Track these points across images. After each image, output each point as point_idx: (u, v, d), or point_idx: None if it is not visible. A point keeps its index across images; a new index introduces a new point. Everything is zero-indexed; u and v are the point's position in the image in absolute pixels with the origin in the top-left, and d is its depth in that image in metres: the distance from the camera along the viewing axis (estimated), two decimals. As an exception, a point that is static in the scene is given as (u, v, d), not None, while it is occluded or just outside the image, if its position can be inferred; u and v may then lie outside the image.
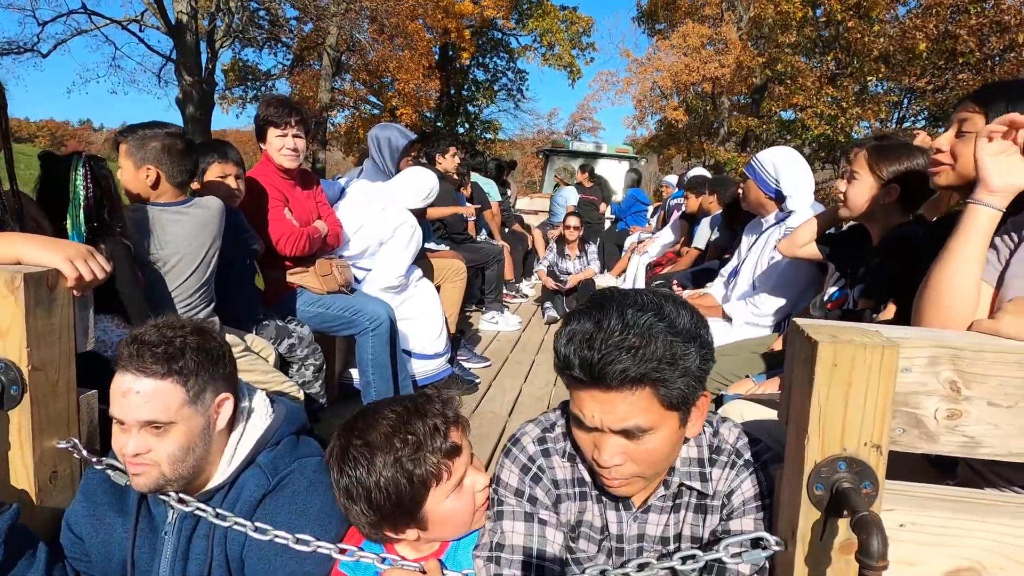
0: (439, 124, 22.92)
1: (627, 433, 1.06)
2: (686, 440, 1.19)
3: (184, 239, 2.23)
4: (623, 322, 1.04)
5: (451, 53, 22.22)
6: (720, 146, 21.83)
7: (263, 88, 21.38)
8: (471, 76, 25.22)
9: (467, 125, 25.40)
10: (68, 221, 1.68)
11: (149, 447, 1.18)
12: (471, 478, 1.26)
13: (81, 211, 1.69)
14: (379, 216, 3.44)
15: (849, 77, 19.60)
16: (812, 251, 2.38)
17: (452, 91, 24.22)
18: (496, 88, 25.93)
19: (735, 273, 3.05)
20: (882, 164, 1.99)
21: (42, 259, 1.27)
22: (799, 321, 1.06)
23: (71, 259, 1.29)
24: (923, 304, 1.32)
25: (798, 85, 19.50)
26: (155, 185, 2.22)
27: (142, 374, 1.17)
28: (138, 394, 1.16)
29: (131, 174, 2.21)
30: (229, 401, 1.27)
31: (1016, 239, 1.30)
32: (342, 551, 1.22)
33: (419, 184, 3.67)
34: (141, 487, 1.22)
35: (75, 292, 1.32)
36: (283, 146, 2.90)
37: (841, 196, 2.10)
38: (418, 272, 3.71)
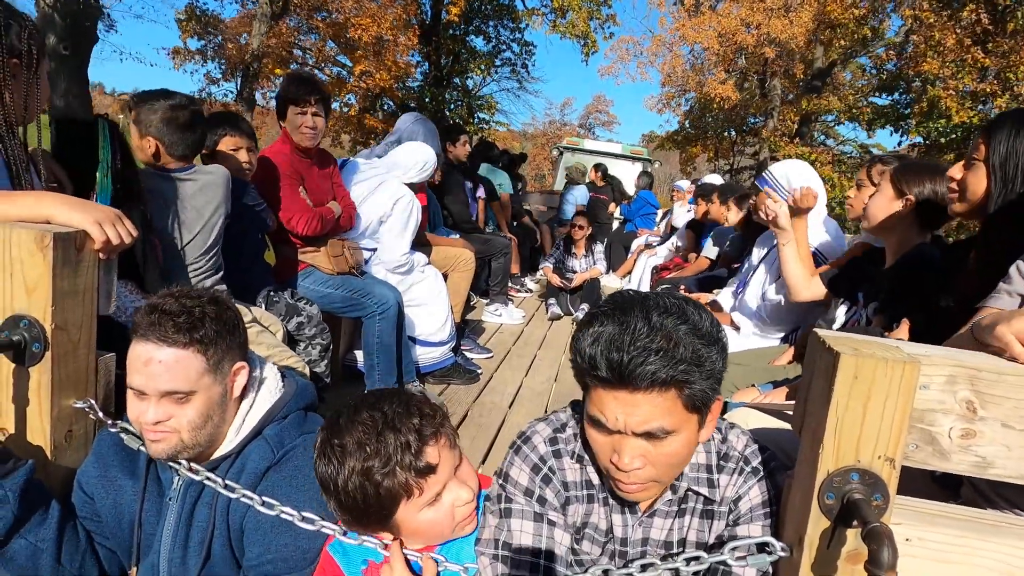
0: (425, 99, 19.36)
1: (649, 435, 1.06)
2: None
3: (183, 204, 2.22)
4: (649, 325, 1.04)
5: (444, 15, 18.22)
6: (784, 138, 17.76)
7: (224, 43, 17.85)
8: (468, 44, 20.63)
9: (458, 101, 20.82)
10: (96, 184, 1.69)
11: (170, 415, 1.19)
12: (452, 493, 1.21)
13: (109, 174, 1.70)
14: (376, 191, 3.42)
15: (1009, 38, 12.44)
16: (818, 290, 2.45)
17: (445, 61, 20.16)
18: (498, 63, 21.39)
19: (744, 283, 3.06)
20: (903, 179, 2.00)
21: (72, 220, 1.28)
22: (820, 332, 1.07)
23: (100, 222, 1.30)
24: None
25: (932, 46, 12.84)
26: (155, 156, 2.22)
27: (164, 343, 1.17)
28: (160, 363, 1.17)
29: (136, 143, 2.22)
30: (245, 370, 1.29)
31: None
32: (345, 532, 1.23)
33: (416, 157, 3.63)
34: (158, 454, 1.22)
35: (101, 255, 1.33)
36: (302, 124, 2.91)
37: (852, 207, 2.11)
38: (424, 259, 3.72)
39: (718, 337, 1.07)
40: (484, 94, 22.04)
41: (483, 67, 20.99)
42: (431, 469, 1.17)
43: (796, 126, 18.58)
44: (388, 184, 3.43)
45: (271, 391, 1.36)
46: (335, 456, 1.15)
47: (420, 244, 3.88)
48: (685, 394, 1.04)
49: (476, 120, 21.08)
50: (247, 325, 2.35)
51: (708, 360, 1.04)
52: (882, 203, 2.05)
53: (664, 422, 1.05)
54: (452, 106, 20.66)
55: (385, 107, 20.38)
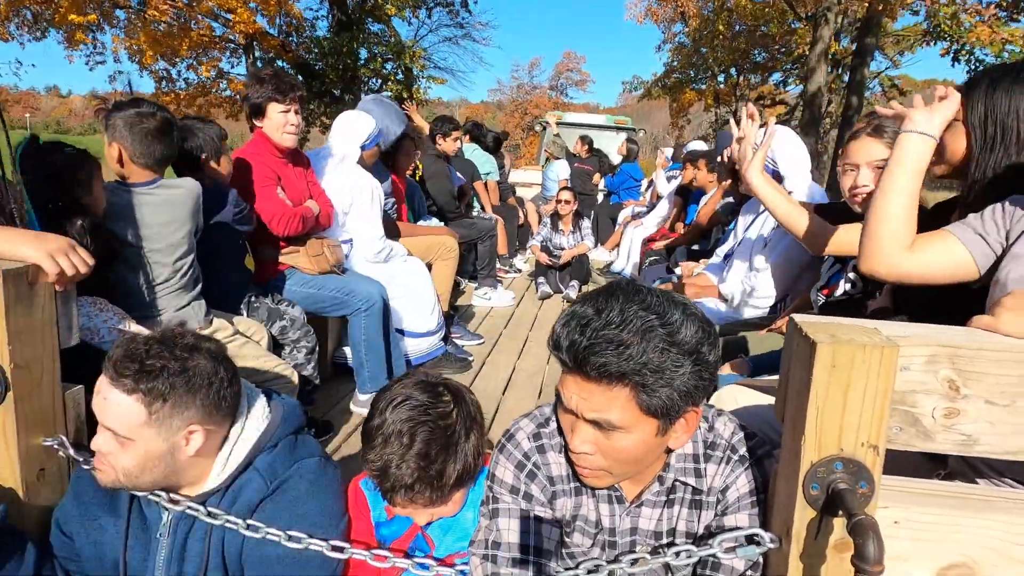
0: (329, 52, 14.43)
1: (598, 425, 1.06)
2: (669, 450, 1.18)
3: (144, 221, 2.14)
4: (622, 316, 1.02)
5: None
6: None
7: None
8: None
9: (377, 54, 15.29)
10: None
11: (111, 451, 1.17)
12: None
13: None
14: (333, 184, 3.32)
15: None
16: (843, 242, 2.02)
17: (352, 1, 15.08)
18: (431, 3, 16.64)
19: (731, 254, 3.03)
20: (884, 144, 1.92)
21: (22, 254, 1.24)
22: (798, 318, 1.05)
23: (52, 253, 1.25)
24: (861, 236, 1.42)
25: None
26: (120, 162, 2.15)
27: (112, 382, 1.14)
28: (105, 400, 1.15)
29: (106, 150, 2.17)
30: (199, 433, 1.21)
31: (1011, 223, 1.28)
32: (334, 548, 1.22)
33: (349, 127, 3.44)
34: (100, 481, 1.21)
35: (57, 287, 1.29)
36: (286, 123, 2.84)
37: (859, 190, 2.01)
38: (403, 248, 3.66)
39: (697, 351, 1.03)
40: (423, 47, 17.14)
41: (403, 6, 15.59)
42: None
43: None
44: (340, 173, 3.33)
45: (258, 420, 1.32)
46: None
47: (391, 234, 3.83)
48: (640, 396, 1.02)
49: (399, 74, 15.92)
50: (230, 337, 2.33)
51: (672, 370, 1.01)
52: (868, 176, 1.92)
53: (613, 417, 1.04)
54: (364, 60, 15.38)
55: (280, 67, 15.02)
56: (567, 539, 1.26)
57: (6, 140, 1.47)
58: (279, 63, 15.25)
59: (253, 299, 2.73)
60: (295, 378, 2.51)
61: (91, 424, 1.40)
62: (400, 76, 15.93)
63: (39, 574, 1.23)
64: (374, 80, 15.80)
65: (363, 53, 15.43)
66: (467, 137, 6.95)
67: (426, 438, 1.24)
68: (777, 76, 18.46)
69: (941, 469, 1.35)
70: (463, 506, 1.37)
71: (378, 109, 3.84)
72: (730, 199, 4.61)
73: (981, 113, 1.39)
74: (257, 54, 14.74)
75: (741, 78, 18.86)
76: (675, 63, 19.47)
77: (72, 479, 1.34)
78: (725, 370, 2.29)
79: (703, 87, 19.42)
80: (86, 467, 1.27)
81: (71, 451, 1.29)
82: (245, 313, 2.67)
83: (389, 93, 15.08)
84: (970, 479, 1.26)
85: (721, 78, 19.07)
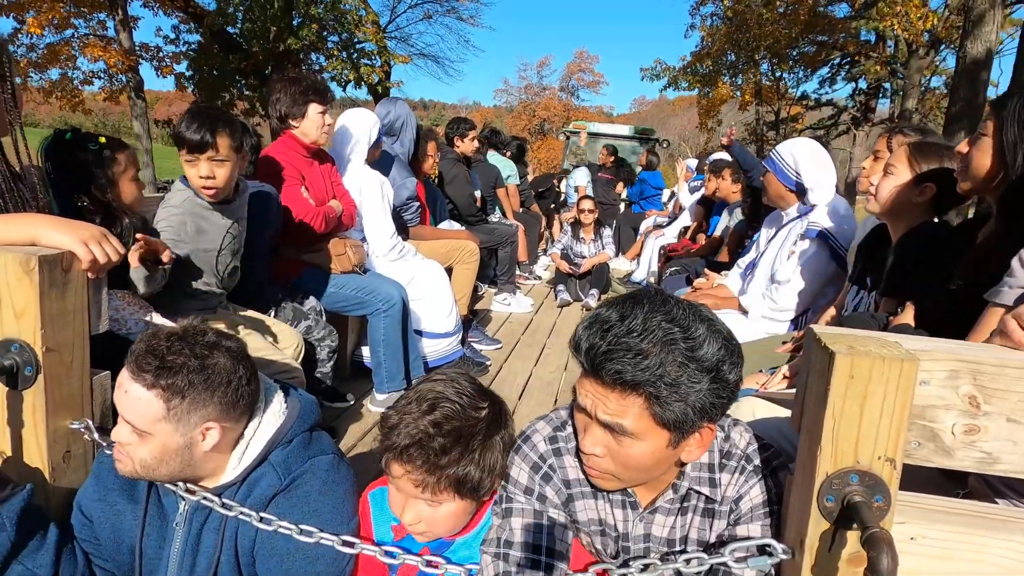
0: (237, 7, 11.16)
1: (611, 429, 1.07)
2: (683, 464, 1.18)
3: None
4: (645, 325, 1.03)
5: None
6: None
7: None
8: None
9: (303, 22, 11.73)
10: None
11: (130, 442, 1.19)
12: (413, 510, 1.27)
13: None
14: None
15: None
16: None
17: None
18: None
19: (753, 266, 3.01)
20: (923, 161, 1.90)
21: (57, 241, 1.27)
22: (816, 329, 1.04)
23: (86, 241, 1.29)
24: None
25: None
26: None
27: (133, 376, 1.16)
28: (126, 394, 1.17)
29: None
30: (215, 430, 1.22)
31: None
32: (345, 543, 1.23)
33: (350, 125, 3.41)
34: (119, 471, 1.23)
35: (89, 275, 1.32)
36: (325, 123, 2.94)
37: (872, 188, 2.02)
38: (413, 248, 3.69)
39: (717, 368, 1.03)
40: (401, 27, 13.50)
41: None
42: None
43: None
44: (347, 175, 3.35)
45: (275, 415, 1.33)
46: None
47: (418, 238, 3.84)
48: (653, 407, 1.02)
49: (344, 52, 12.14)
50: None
51: (689, 385, 1.01)
52: (897, 187, 1.92)
53: (626, 423, 1.05)
54: (294, 28, 11.77)
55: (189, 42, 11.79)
56: (583, 543, 1.27)
57: (20, 130, 1.50)
58: (175, 22, 11.11)
59: (281, 298, 2.76)
60: (300, 372, 2.51)
61: (116, 410, 1.44)
62: (345, 55, 12.19)
63: (60, 556, 1.25)
64: (314, 56, 12.06)
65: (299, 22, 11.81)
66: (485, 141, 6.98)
67: (446, 413, 1.21)
68: (825, 72, 15.99)
69: (960, 488, 1.33)
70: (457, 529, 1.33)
71: (389, 104, 3.95)
72: (742, 218, 4.61)
73: (1014, 131, 1.40)
74: (132, 11, 10.86)
75: (787, 73, 16.34)
76: (709, 47, 15.99)
77: (95, 463, 1.37)
78: (744, 384, 2.26)
79: (740, 81, 16.42)
80: (108, 452, 1.30)
81: (96, 435, 1.33)
82: (273, 314, 2.70)
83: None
84: (989, 500, 1.24)
85: (765, 67, 16.10)
